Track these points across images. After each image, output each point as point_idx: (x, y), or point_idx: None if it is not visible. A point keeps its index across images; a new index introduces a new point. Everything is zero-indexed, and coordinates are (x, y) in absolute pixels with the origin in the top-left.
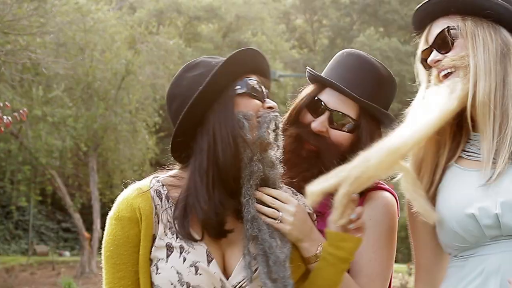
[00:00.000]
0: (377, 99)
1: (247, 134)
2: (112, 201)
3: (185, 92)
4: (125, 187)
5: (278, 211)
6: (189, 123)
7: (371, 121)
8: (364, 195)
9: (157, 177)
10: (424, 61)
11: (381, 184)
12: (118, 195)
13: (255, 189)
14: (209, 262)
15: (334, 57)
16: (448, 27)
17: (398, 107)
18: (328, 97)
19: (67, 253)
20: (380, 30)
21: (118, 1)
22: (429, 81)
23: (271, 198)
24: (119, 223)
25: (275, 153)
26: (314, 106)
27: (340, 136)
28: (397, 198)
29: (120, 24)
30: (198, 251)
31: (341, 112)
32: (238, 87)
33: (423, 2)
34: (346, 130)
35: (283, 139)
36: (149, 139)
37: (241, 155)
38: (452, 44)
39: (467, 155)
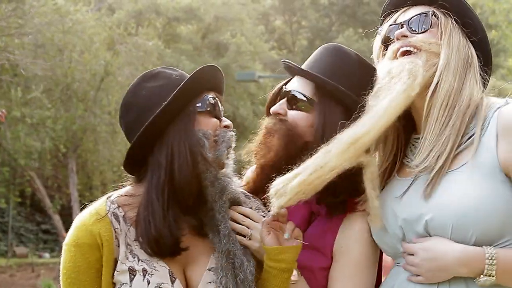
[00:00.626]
0: (339, 80)
1: (207, 152)
2: (92, 202)
3: (143, 103)
4: (105, 188)
5: (248, 228)
6: (149, 137)
7: (329, 100)
8: (341, 217)
9: (110, 197)
10: (386, 39)
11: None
12: (98, 196)
13: (229, 205)
14: (172, 282)
15: None
16: (426, 13)
17: None
18: (290, 83)
19: (47, 255)
20: (359, 31)
21: (97, 2)
22: (383, 56)
23: (242, 216)
24: (79, 249)
25: (228, 170)
26: (279, 95)
27: (296, 116)
28: None
29: (98, 25)
30: (161, 273)
31: (296, 91)
32: (199, 104)
33: None
34: (302, 109)
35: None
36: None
37: (199, 173)
38: (427, 26)
39: (406, 161)
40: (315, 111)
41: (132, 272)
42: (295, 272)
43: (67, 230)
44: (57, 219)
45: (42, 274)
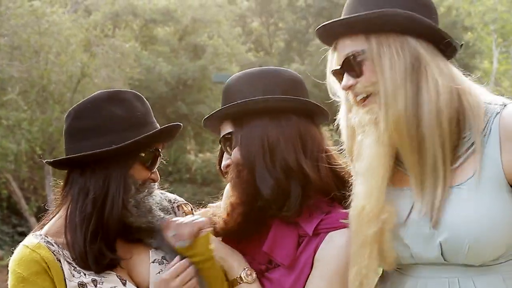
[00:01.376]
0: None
1: (129, 198)
2: None
3: (100, 122)
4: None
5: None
6: (89, 161)
7: (246, 120)
8: (322, 235)
9: (34, 234)
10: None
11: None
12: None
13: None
14: (124, 284)
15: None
16: (353, 53)
17: None
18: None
19: None
20: None
21: (73, 3)
22: (348, 101)
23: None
24: (29, 282)
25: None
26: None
27: (235, 154)
28: None
29: (75, 27)
30: (110, 278)
31: (225, 135)
32: (143, 155)
33: (324, 23)
34: (235, 148)
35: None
36: None
37: (126, 214)
38: (361, 69)
39: (399, 167)
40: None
41: (82, 286)
42: (249, 272)
43: None
44: (33, 221)
45: None
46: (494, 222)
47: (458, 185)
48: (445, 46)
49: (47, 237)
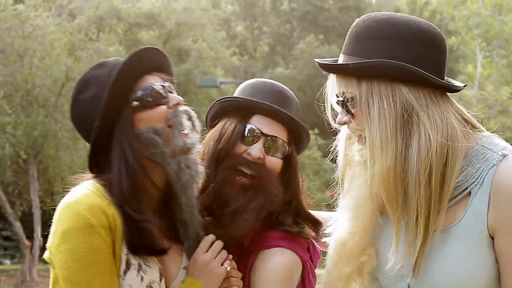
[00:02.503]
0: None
1: (163, 150)
2: (54, 209)
3: (84, 118)
4: (66, 195)
5: None
6: (98, 149)
7: (297, 144)
8: (255, 253)
9: (97, 180)
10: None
11: (284, 241)
12: (59, 203)
13: (196, 199)
14: (160, 280)
15: (244, 86)
16: (345, 97)
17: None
18: (260, 124)
19: (8, 262)
20: (320, 37)
21: (58, 7)
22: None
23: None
24: (94, 230)
25: (197, 151)
26: (248, 134)
27: (274, 162)
28: (302, 255)
29: (59, 31)
30: (154, 269)
31: (276, 137)
32: (136, 103)
33: (321, 63)
34: (279, 156)
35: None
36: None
37: (147, 178)
38: (352, 112)
39: None
40: (288, 157)
41: (128, 264)
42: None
43: (28, 236)
44: (18, 225)
45: (3, 281)
46: (467, 275)
47: (446, 228)
48: (445, 89)
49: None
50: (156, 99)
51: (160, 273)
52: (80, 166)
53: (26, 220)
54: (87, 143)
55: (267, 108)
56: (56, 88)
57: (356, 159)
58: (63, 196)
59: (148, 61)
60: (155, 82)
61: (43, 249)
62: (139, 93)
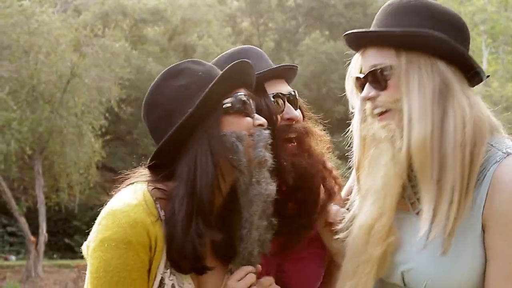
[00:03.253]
0: None
1: (241, 158)
2: (58, 204)
3: (168, 104)
4: (71, 190)
5: None
6: (174, 145)
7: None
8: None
9: (150, 188)
10: (359, 88)
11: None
12: (64, 199)
13: (259, 218)
14: None
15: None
16: (381, 68)
17: (344, 110)
18: (275, 89)
19: (13, 257)
20: (326, 33)
21: (63, 3)
22: (364, 111)
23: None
24: (132, 247)
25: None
26: (275, 102)
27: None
28: None
29: (65, 27)
30: None
31: (294, 91)
32: (228, 104)
33: (355, 31)
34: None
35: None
36: (95, 142)
37: (221, 184)
38: (386, 83)
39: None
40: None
41: (161, 284)
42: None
43: (33, 232)
44: (23, 221)
45: (8, 277)
46: (456, 267)
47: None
48: (472, 76)
49: (156, 204)
50: (245, 110)
51: None
52: (85, 162)
53: (31, 216)
54: (106, 136)
55: (273, 73)
56: (61, 84)
57: (382, 136)
58: (68, 192)
59: (247, 75)
60: (247, 95)
61: (48, 244)
62: (231, 98)
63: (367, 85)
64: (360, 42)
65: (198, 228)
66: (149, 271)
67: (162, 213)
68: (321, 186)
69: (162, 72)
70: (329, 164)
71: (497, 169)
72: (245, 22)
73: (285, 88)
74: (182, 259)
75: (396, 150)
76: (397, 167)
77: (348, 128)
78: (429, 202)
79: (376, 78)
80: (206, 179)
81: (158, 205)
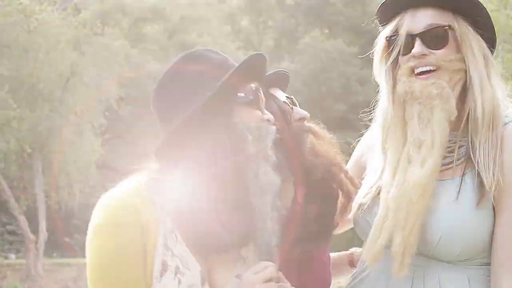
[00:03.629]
0: None
1: (250, 147)
2: (58, 203)
3: (183, 89)
4: (71, 189)
5: None
6: (187, 130)
7: None
8: None
9: (144, 180)
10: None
11: None
12: (64, 197)
13: (271, 206)
14: (202, 284)
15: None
16: (438, 25)
17: (344, 108)
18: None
19: (13, 256)
20: (325, 32)
21: (62, 2)
22: (394, 78)
23: None
24: (124, 230)
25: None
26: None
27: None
28: None
29: (64, 25)
30: (193, 272)
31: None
32: (242, 95)
33: None
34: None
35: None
36: (95, 140)
37: (241, 170)
38: (444, 42)
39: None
40: None
41: (164, 266)
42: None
43: (33, 231)
44: (22, 220)
45: (8, 276)
46: (468, 222)
47: (446, 180)
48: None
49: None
50: (258, 104)
51: (202, 277)
52: (85, 161)
53: (31, 215)
54: (105, 135)
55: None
56: (61, 83)
57: (434, 92)
58: (68, 191)
59: (262, 69)
60: (260, 89)
61: (47, 243)
62: (249, 90)
63: (418, 43)
64: (413, 1)
65: (222, 214)
66: (146, 255)
67: (156, 198)
68: (339, 190)
69: (181, 55)
70: (344, 166)
71: (504, 133)
72: (244, 20)
73: (282, 94)
74: (207, 239)
75: (450, 108)
76: (447, 125)
77: (348, 127)
78: (488, 152)
79: (433, 36)
80: (227, 165)
81: (152, 191)
